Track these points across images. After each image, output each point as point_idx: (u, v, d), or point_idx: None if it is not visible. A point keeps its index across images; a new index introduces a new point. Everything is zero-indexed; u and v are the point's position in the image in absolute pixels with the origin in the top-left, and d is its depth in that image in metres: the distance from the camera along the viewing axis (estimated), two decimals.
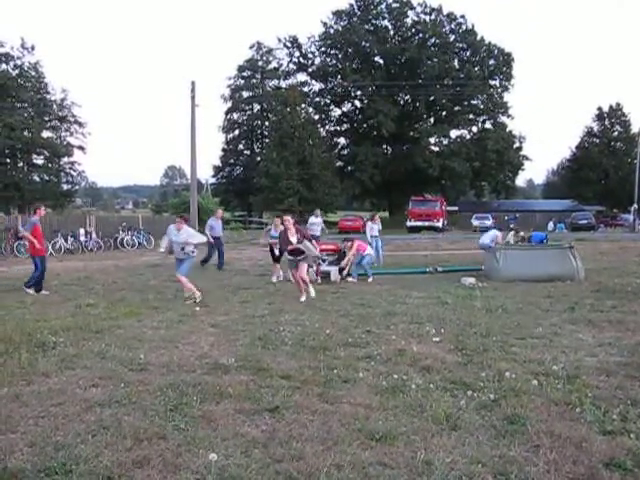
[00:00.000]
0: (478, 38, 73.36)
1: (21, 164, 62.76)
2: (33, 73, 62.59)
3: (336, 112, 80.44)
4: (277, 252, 15.54)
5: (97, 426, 5.10)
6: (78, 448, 4.61)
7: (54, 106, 64.04)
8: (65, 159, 65.30)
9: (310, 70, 77.71)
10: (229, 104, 79.67)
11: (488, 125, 76.24)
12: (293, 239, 12.56)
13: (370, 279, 15.79)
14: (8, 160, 61.29)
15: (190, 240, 12.55)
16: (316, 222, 22.33)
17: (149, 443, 4.71)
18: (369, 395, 5.90)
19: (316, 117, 74.79)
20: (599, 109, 77.21)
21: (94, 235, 30.73)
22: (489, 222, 53.43)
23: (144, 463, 4.37)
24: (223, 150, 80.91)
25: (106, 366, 7.04)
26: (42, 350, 7.89)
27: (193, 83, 38.26)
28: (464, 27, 74.17)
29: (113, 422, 5.17)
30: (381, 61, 75.49)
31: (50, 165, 64.17)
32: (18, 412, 5.49)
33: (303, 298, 12.30)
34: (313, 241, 13.43)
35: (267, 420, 5.25)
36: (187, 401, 5.66)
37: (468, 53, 74.79)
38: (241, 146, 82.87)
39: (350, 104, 79.31)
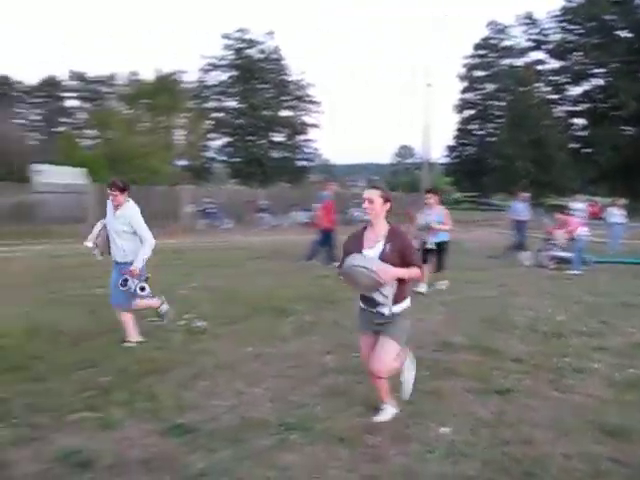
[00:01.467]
0: None
1: (262, 141, 66.94)
2: (274, 56, 66.55)
3: (573, 91, 76.09)
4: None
5: (331, 391, 5.38)
6: (315, 409, 4.92)
7: (292, 86, 67.54)
8: (301, 137, 68.67)
9: (547, 47, 74.23)
10: (465, 84, 78.59)
11: None
12: (369, 252, 4.70)
13: (575, 272, 14.08)
14: (251, 138, 65.80)
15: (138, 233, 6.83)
16: (581, 208, 20.04)
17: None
18: (602, 387, 5.66)
19: (552, 96, 71.42)
20: None
21: None
22: None
23: (375, 430, 4.55)
24: (457, 130, 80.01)
25: (340, 334, 7.35)
26: (282, 316, 8.42)
27: (426, 66, 38.55)
28: None
29: (346, 389, 5.43)
30: (626, 35, 70.10)
31: (288, 142, 67.89)
32: (261, 370, 5.95)
33: (384, 416, 4.93)
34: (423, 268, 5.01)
35: (496, 402, 5.22)
36: (417, 375, 5.76)
37: None
38: (475, 126, 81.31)
39: (589, 82, 74.68)
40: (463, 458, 4.13)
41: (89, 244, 6.89)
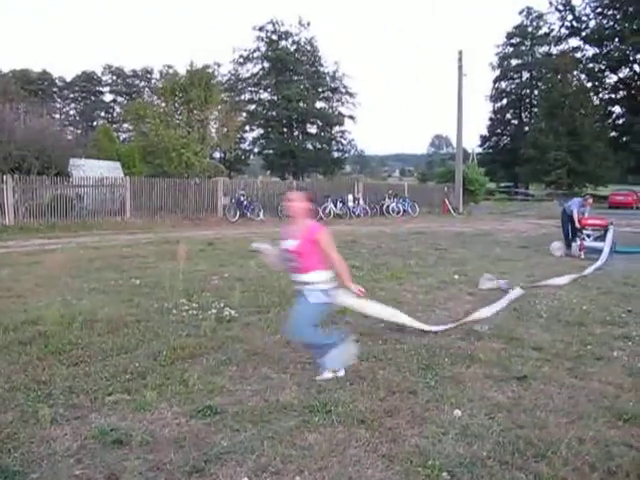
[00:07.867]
0: None
1: (296, 133, 67.29)
2: (308, 48, 66.74)
3: (611, 79, 74.56)
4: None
5: (354, 376, 5.58)
6: (337, 393, 5.13)
7: (327, 78, 67.69)
8: (336, 128, 68.78)
9: (583, 34, 72.83)
10: (497, 72, 77.82)
11: None
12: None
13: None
14: (285, 129, 66.20)
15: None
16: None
17: (400, 396, 5.09)
18: (622, 375, 5.75)
19: (589, 84, 70.17)
20: None
21: (361, 201, 31.92)
22: None
23: (394, 413, 4.75)
24: (490, 119, 79.21)
25: (366, 324, 7.51)
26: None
27: (460, 52, 37.89)
28: None
29: (369, 374, 5.63)
30: None
31: (322, 134, 68.06)
32: (289, 356, 6.17)
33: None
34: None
35: (514, 387, 5.38)
36: (439, 362, 5.96)
37: None
38: (509, 115, 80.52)
39: (628, 69, 73.19)
40: (476, 440, 4.29)
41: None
